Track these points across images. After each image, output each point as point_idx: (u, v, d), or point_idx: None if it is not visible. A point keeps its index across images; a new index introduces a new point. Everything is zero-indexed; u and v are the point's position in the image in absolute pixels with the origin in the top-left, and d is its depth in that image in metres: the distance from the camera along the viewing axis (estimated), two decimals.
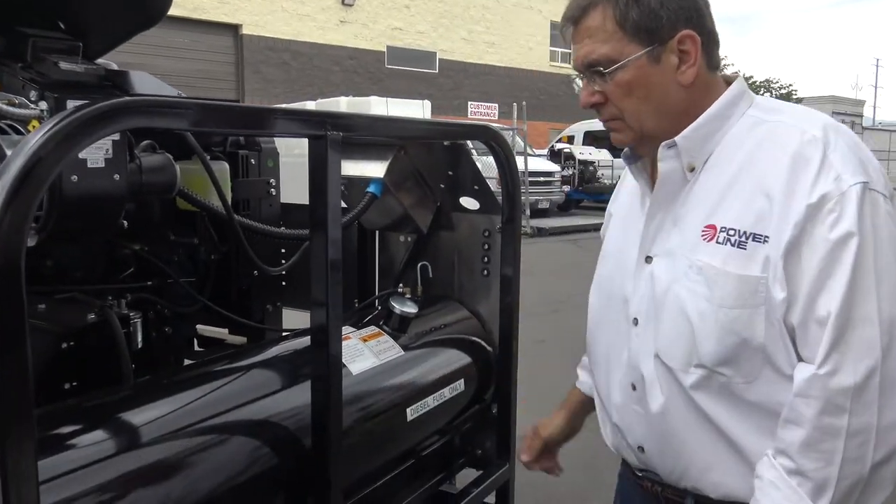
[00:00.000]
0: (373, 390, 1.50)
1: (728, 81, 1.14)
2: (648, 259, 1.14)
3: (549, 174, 16.47)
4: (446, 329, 1.87)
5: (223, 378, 1.38)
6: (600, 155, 18.67)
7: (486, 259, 1.92)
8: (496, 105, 25.76)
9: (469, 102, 25.75)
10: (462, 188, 1.88)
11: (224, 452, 1.20)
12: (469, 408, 1.87)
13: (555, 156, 18.22)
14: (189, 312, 1.86)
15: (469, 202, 1.89)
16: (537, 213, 15.06)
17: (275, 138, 1.94)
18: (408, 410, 1.56)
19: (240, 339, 2.02)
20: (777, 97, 35.09)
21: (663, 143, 1.09)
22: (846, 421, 0.94)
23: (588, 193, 18.24)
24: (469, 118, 23.05)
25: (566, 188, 17.37)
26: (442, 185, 1.89)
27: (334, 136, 1.16)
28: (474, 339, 1.90)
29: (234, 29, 20.36)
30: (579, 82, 1.16)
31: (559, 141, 20.45)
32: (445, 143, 1.81)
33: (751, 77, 36.26)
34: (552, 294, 7.86)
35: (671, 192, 1.11)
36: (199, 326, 2.03)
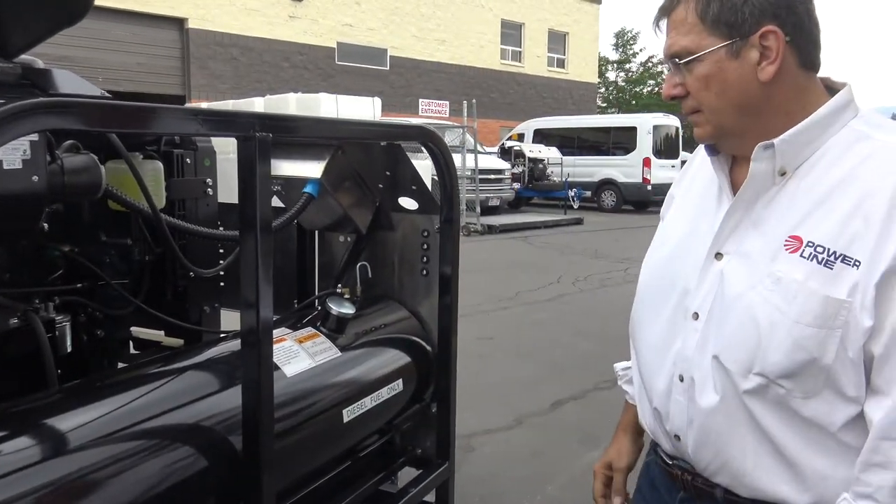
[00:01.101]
0: (308, 392, 1.49)
1: (830, 87, 1.10)
2: (719, 256, 1.11)
3: (500, 172, 16.57)
4: (385, 329, 1.87)
5: (153, 382, 1.35)
6: (550, 153, 18.86)
7: (425, 259, 1.92)
8: (447, 103, 25.79)
9: (420, 100, 25.72)
10: (401, 188, 1.88)
11: (151, 459, 1.17)
12: (409, 407, 1.88)
13: (505, 153, 18.34)
14: (122, 315, 1.82)
15: (408, 202, 1.89)
16: (487, 210, 15.14)
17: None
18: (344, 412, 1.55)
19: (176, 342, 1.99)
20: None
21: (760, 144, 1.05)
22: None
23: (538, 191, 18.41)
24: (420, 116, 23.00)
25: (516, 185, 17.51)
26: (381, 186, 1.89)
27: (263, 138, 1.15)
28: (413, 338, 1.90)
29: (179, 22, 19.92)
30: (665, 72, 1.15)
31: (509, 139, 20.58)
32: (382, 143, 1.81)
33: None
34: (501, 291, 7.92)
35: (756, 193, 1.08)
36: (133, 329, 1.99)
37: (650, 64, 36.71)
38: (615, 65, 39.39)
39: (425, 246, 1.92)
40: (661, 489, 1.27)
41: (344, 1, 23.36)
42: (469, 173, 14.08)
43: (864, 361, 0.98)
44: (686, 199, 1.27)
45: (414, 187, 1.85)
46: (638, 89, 38.75)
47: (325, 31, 23.13)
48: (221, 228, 1.91)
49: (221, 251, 1.98)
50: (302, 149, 1.76)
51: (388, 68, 24.94)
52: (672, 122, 18.29)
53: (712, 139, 1.13)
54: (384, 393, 1.69)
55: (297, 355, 1.51)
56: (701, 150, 1.22)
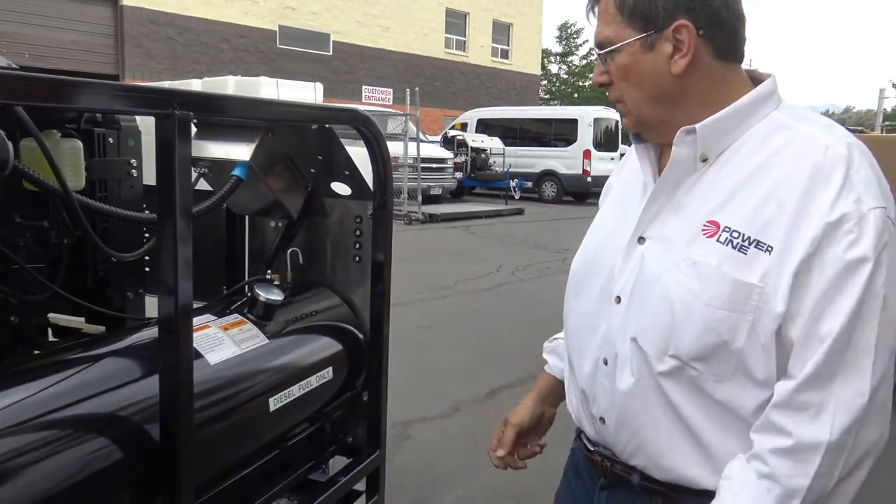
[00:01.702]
0: (231, 380, 1.45)
1: (757, 78, 1.11)
2: (641, 240, 1.12)
3: (442, 161, 16.57)
4: (315, 316, 1.84)
5: (67, 370, 1.29)
6: (493, 143, 18.95)
7: (358, 245, 1.90)
8: (391, 90, 25.61)
9: (363, 87, 25.48)
10: (334, 173, 1.85)
11: (61, 451, 1.12)
12: (339, 396, 1.85)
13: (448, 143, 18.35)
14: (38, 300, 1.74)
15: (340, 187, 1.86)
16: (429, 199, 15.12)
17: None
18: (270, 400, 1.52)
19: (98, 329, 1.91)
20: None
21: (683, 129, 1.06)
22: (827, 438, 0.95)
23: (480, 180, 18.49)
24: (363, 103, 22.80)
25: (458, 175, 17.54)
26: (313, 170, 1.85)
27: (183, 116, 1.11)
28: (345, 326, 1.88)
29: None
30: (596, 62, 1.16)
31: (452, 128, 20.59)
32: (314, 126, 1.77)
33: None
34: (441, 280, 7.92)
35: (677, 179, 1.10)
36: (51, 315, 1.91)
37: (592, 57, 37.20)
38: (558, 57, 39.78)
39: (358, 232, 1.89)
40: (583, 475, 1.29)
41: None
42: (411, 162, 14.03)
43: (775, 347, 1.00)
44: (620, 187, 1.29)
45: (347, 172, 1.82)
46: (580, 82, 39.21)
47: (267, 14, 22.66)
48: (147, 212, 1.85)
49: (147, 235, 1.91)
50: (229, 131, 1.71)
51: (330, 53, 24.61)
52: (612, 115, 18.58)
53: (635, 128, 1.15)
54: (313, 381, 1.66)
55: (222, 343, 1.47)
56: None
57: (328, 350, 1.78)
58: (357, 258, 1.90)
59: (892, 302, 0.97)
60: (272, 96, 12.91)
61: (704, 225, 1.04)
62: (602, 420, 1.19)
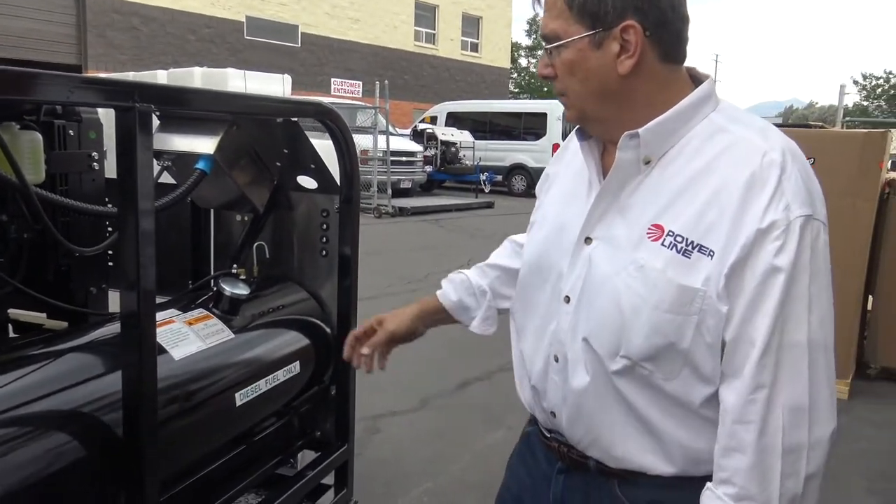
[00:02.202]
0: (196, 375, 1.44)
1: (697, 77, 1.13)
2: (588, 240, 1.14)
3: (412, 154, 16.51)
4: (282, 310, 1.83)
5: (28, 365, 1.27)
6: (462, 136, 18.93)
7: (324, 239, 1.89)
8: (360, 83, 25.44)
9: (332, 79, 25.26)
10: (300, 167, 1.84)
11: (22, 447, 1.11)
12: (307, 390, 1.85)
13: (417, 136, 18.28)
14: None
15: (307, 181, 1.85)
16: (399, 192, 15.06)
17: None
18: (237, 395, 1.51)
19: (60, 324, 1.88)
20: None
21: (626, 133, 1.08)
22: (780, 440, 0.99)
23: (450, 174, 18.46)
24: (332, 95, 22.59)
25: (428, 168, 17.50)
26: (278, 164, 1.84)
27: (144, 109, 1.09)
28: (312, 320, 1.87)
29: None
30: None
31: (422, 121, 20.53)
32: (279, 119, 1.75)
33: None
34: (411, 273, 7.92)
35: (622, 181, 1.11)
36: (12, 311, 1.88)
37: None
38: (528, 51, 39.86)
39: (325, 226, 1.88)
40: (540, 459, 1.32)
41: None
42: (381, 155, 13.96)
43: (720, 346, 1.04)
44: (563, 181, 1.30)
45: (313, 166, 1.81)
46: None
47: (234, 4, 22.34)
48: (110, 205, 1.82)
49: (111, 229, 1.88)
50: (193, 123, 1.69)
51: (299, 45, 24.36)
52: None
53: (578, 122, 1.17)
54: (280, 375, 1.66)
55: (187, 338, 1.46)
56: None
57: (295, 344, 1.77)
58: (324, 252, 1.90)
59: (824, 302, 1.02)
60: (240, 88, 12.73)
61: (649, 229, 1.07)
62: (553, 414, 1.22)
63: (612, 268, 1.09)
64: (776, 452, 1.00)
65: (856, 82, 42.88)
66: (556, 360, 1.18)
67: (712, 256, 1.01)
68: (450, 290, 1.49)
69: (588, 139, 1.18)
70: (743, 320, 1.00)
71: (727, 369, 1.03)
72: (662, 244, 1.05)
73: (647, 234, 1.07)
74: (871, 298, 4.67)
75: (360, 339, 1.43)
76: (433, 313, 1.49)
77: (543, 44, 1.13)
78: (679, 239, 1.04)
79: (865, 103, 43.69)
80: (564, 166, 1.31)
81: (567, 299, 1.16)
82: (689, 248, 1.03)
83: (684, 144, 1.09)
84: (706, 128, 1.09)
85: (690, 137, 1.09)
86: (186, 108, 1.47)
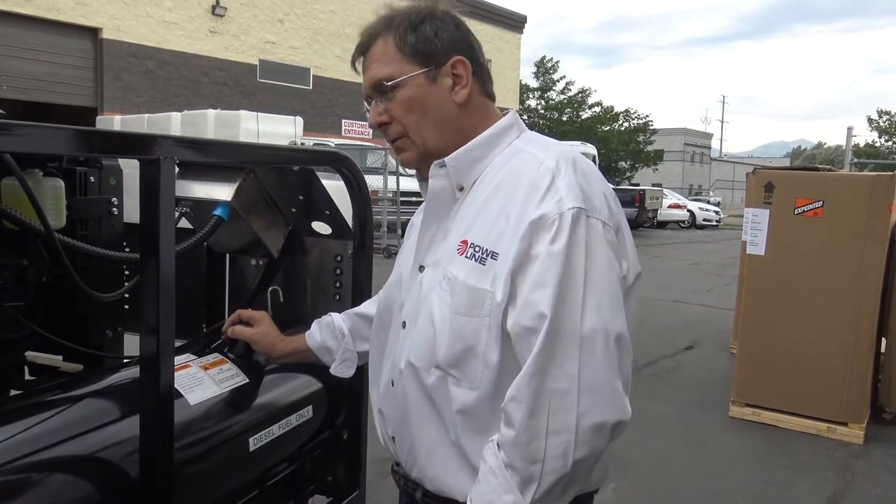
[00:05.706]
0: (211, 420, 1.45)
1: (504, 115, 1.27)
2: (421, 268, 1.23)
3: (421, 195, 16.64)
4: None
5: (45, 410, 1.29)
6: None
7: (338, 284, 1.91)
8: None
9: (343, 120, 25.60)
10: (314, 213, 1.87)
11: (39, 493, 1.12)
12: (319, 434, 1.85)
13: None
14: (16, 339, 1.73)
15: (321, 227, 1.88)
16: None
17: None
18: (251, 440, 1.52)
19: (75, 367, 1.90)
20: (635, 126, 37.07)
21: (435, 162, 1.19)
22: (546, 421, 1.04)
23: None
24: (343, 136, 22.88)
25: None
26: (294, 210, 1.87)
27: (168, 160, 1.13)
28: None
29: (93, 32, 19.21)
30: (367, 106, 1.25)
31: None
32: (295, 167, 1.79)
33: (612, 107, 38.04)
34: None
35: (443, 209, 1.21)
36: (29, 354, 1.90)
37: (570, 91, 37.75)
38: (536, 92, 40.33)
39: (338, 271, 1.91)
40: (402, 495, 1.36)
41: (267, 18, 23.09)
42: (391, 195, 14.07)
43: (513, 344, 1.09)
44: (417, 225, 1.38)
45: (327, 212, 1.85)
46: (561, 116, 39.61)
47: (247, 48, 22.78)
48: (128, 250, 1.85)
49: (127, 273, 1.91)
50: (210, 171, 1.73)
51: (310, 88, 24.75)
52: (590, 149, 18.80)
53: (418, 163, 1.25)
54: (293, 420, 1.66)
55: (202, 382, 1.47)
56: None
57: (308, 388, 1.78)
58: (337, 297, 1.92)
59: (604, 291, 1.07)
60: (252, 130, 12.95)
61: (458, 245, 1.16)
62: (393, 439, 1.29)
63: (429, 286, 1.18)
64: (541, 433, 1.04)
65: (870, 119, 42.73)
66: (392, 384, 1.25)
67: (497, 258, 1.09)
68: (315, 332, 1.58)
69: (425, 179, 1.27)
70: (521, 307, 1.06)
71: (519, 358, 1.08)
72: (466, 256, 1.14)
73: (457, 249, 1.15)
74: (884, 341, 4.63)
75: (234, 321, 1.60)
76: (302, 351, 1.59)
77: (373, 94, 1.22)
78: (477, 249, 1.12)
79: (880, 142, 43.40)
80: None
81: (404, 324, 1.24)
82: (485, 255, 1.11)
83: (489, 169, 1.19)
84: (508, 153, 1.20)
85: (495, 163, 1.19)
86: (208, 158, 1.51)
